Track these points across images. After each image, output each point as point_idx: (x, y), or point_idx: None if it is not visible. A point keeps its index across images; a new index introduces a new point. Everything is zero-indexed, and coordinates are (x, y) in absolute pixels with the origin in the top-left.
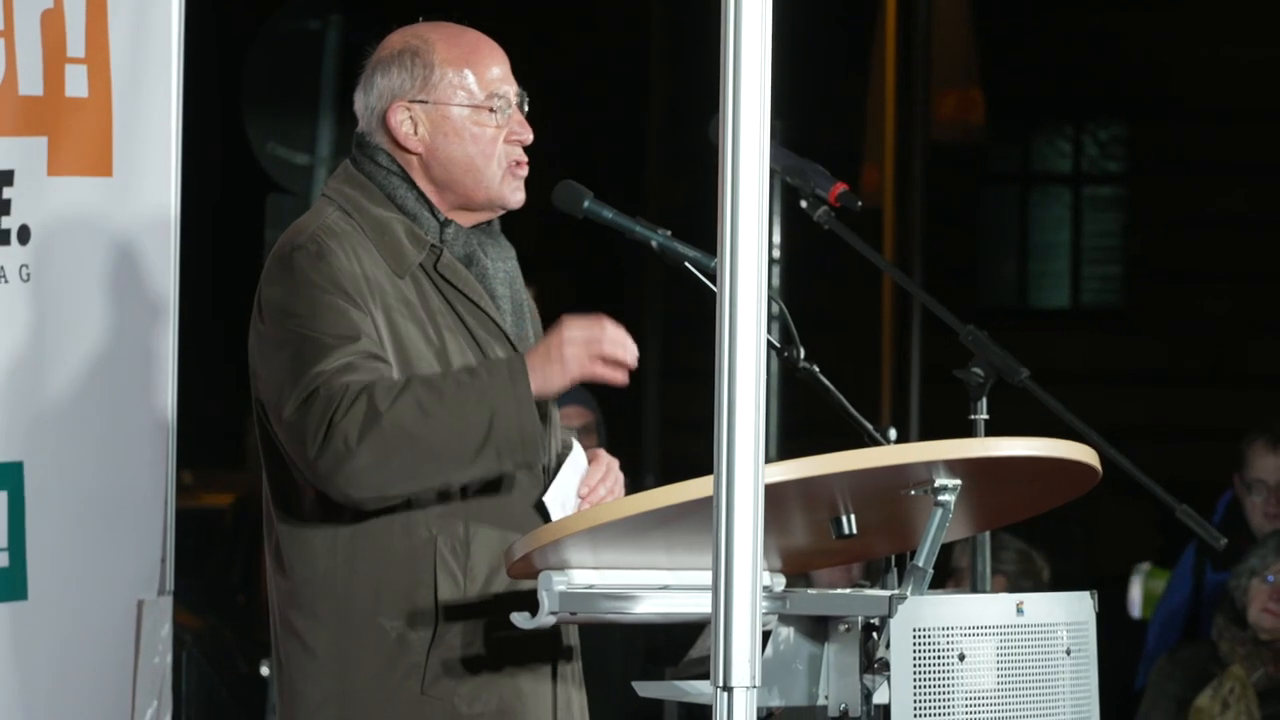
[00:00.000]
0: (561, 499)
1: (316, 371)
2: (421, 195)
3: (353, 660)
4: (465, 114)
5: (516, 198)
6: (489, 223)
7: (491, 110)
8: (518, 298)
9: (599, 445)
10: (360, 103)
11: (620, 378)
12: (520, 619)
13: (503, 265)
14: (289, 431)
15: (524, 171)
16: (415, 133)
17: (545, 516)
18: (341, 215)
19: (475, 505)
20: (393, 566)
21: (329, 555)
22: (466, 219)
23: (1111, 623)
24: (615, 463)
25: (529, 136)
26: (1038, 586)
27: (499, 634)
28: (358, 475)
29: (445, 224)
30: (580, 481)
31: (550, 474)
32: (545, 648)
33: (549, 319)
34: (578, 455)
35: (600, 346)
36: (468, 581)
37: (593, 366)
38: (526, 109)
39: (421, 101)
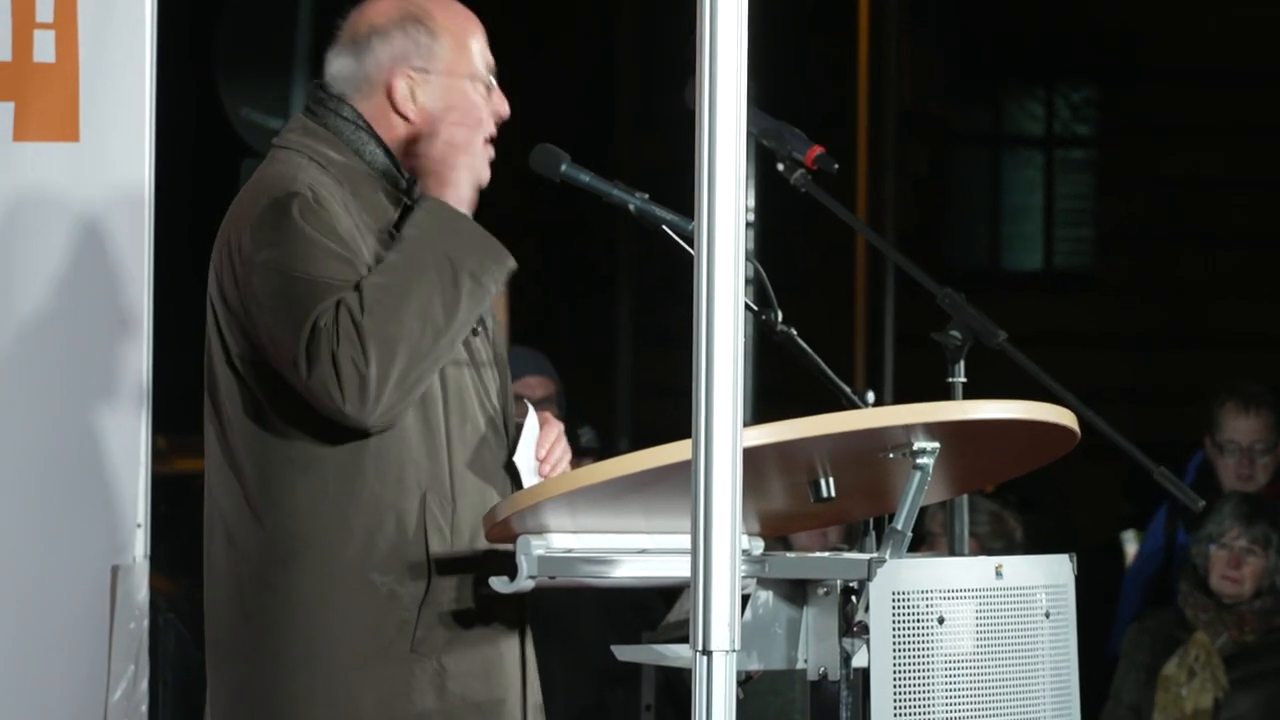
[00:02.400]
0: (527, 460)
1: (312, 321)
2: (389, 153)
3: (339, 615)
4: (465, 85)
5: (488, 174)
6: None
7: (486, 85)
8: None
9: (560, 415)
10: (347, 66)
11: (496, 119)
12: (499, 583)
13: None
14: (313, 391)
15: (491, 151)
16: (414, 101)
17: (515, 476)
18: (317, 168)
19: (459, 462)
20: (384, 520)
21: (315, 506)
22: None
23: (1088, 586)
24: (561, 426)
25: (506, 110)
26: (1010, 547)
27: (484, 592)
28: (383, 387)
29: (411, 182)
30: (535, 443)
31: (509, 431)
32: (518, 607)
33: (524, 283)
34: (534, 416)
35: (462, 124)
36: (454, 538)
37: (454, 138)
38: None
39: (423, 70)
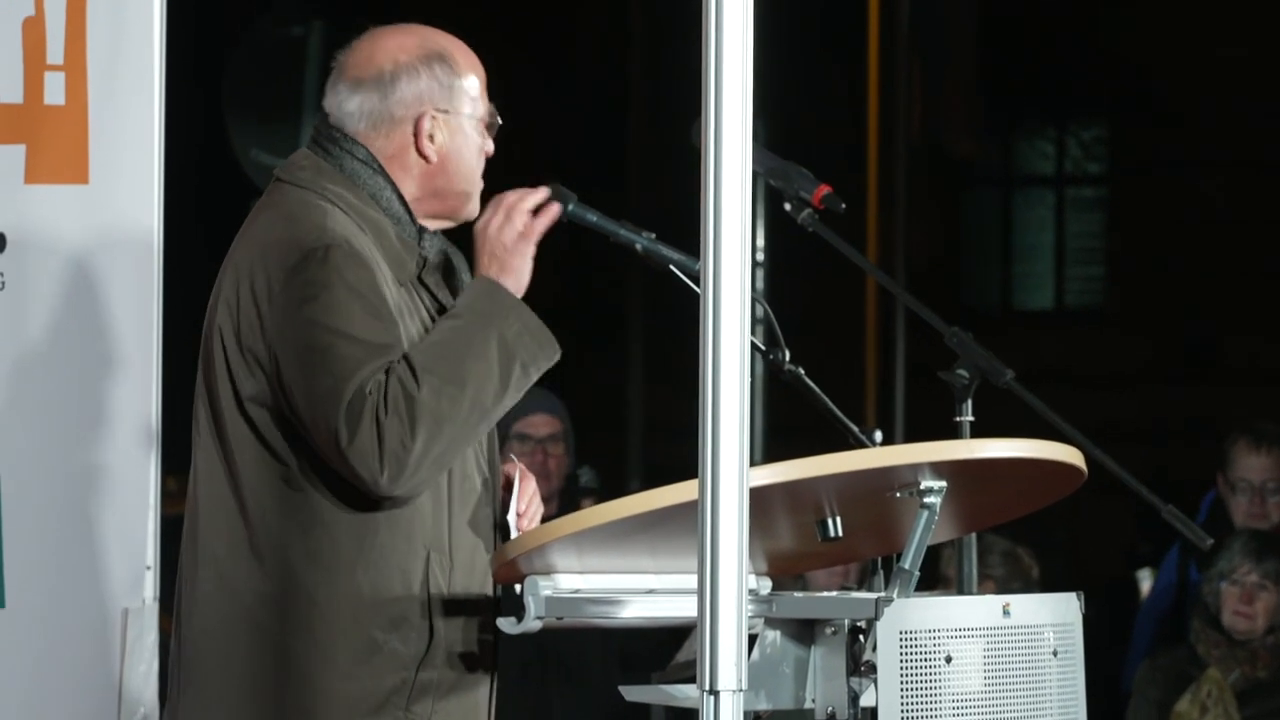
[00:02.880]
0: (513, 517)
1: (356, 384)
2: (403, 199)
3: (340, 671)
4: (474, 125)
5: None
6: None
7: (487, 125)
8: None
9: (567, 453)
10: (369, 102)
11: (552, 213)
12: (506, 624)
13: (466, 276)
14: (352, 459)
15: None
16: (433, 141)
17: (506, 535)
18: (342, 214)
19: (458, 520)
20: (390, 580)
21: (325, 560)
22: (429, 225)
23: (1098, 624)
24: (534, 481)
25: (492, 149)
26: (1028, 585)
27: (474, 639)
28: (424, 461)
29: (421, 231)
30: (515, 498)
31: (494, 487)
32: (494, 652)
33: None
34: (519, 474)
35: (516, 212)
36: (450, 594)
37: (530, 229)
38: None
39: (444, 111)
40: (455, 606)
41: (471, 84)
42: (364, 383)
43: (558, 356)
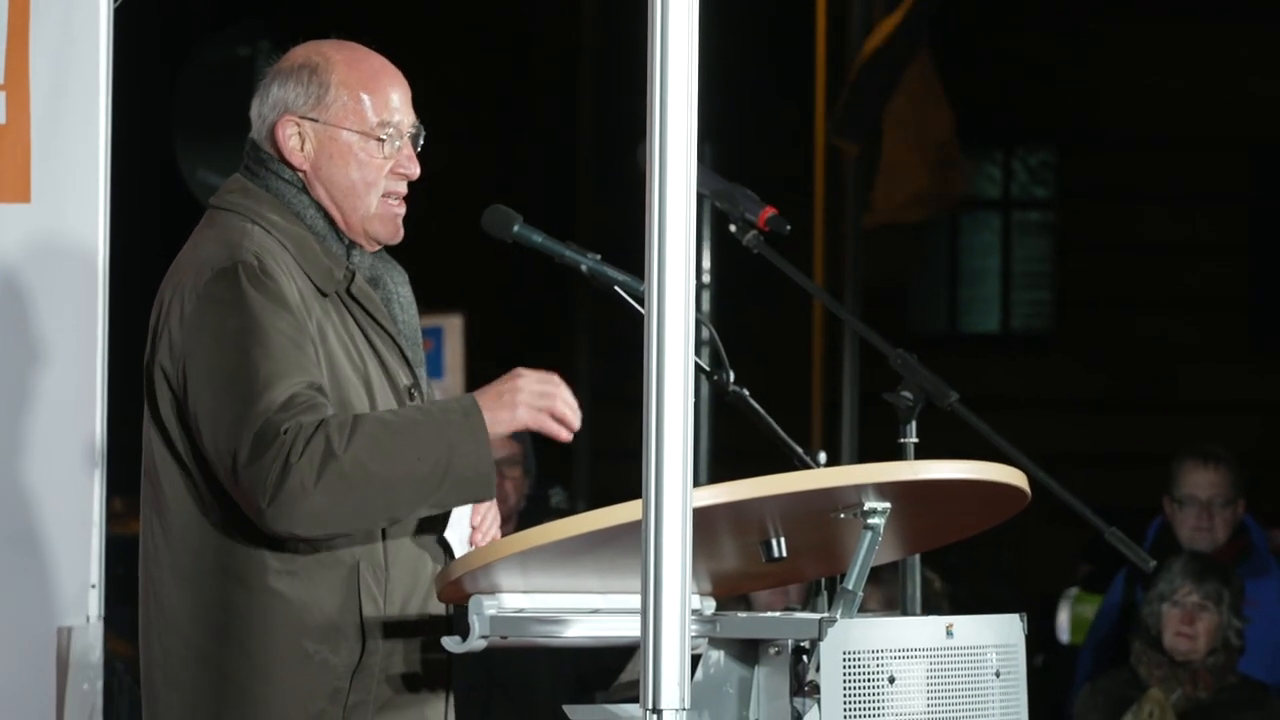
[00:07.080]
0: (460, 533)
1: (264, 407)
2: (327, 215)
3: (272, 685)
4: (354, 138)
5: (386, 230)
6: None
7: (380, 140)
8: (413, 323)
9: (526, 476)
10: (254, 110)
11: (565, 434)
12: (451, 643)
13: (404, 290)
14: (244, 477)
15: (400, 208)
16: (301, 149)
17: (448, 550)
18: (262, 232)
19: (394, 532)
20: (318, 590)
21: (249, 575)
22: (364, 245)
23: (1046, 647)
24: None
25: (415, 171)
26: (930, 598)
27: (418, 658)
28: (314, 516)
29: (350, 245)
30: (468, 516)
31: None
32: (446, 670)
33: (481, 346)
34: None
35: (553, 402)
36: (387, 607)
37: (541, 418)
38: (421, 144)
39: (312, 119)
40: (395, 624)
41: (353, 94)
42: (283, 423)
43: (488, 496)
